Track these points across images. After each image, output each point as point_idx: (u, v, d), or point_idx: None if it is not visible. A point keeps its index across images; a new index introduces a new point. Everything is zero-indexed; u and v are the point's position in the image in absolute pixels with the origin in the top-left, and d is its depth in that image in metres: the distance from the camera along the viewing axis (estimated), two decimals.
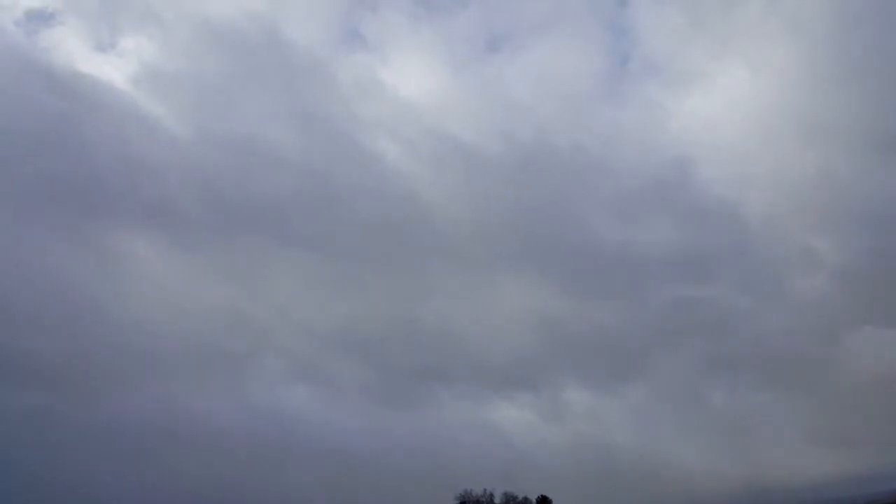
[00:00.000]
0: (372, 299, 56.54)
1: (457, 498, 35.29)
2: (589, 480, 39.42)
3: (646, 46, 75.98)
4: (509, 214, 65.03)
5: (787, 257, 59.38)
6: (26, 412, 40.02)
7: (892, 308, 53.16)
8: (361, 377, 49.89)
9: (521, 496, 35.41)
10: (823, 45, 69.98)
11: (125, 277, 52.71)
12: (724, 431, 44.23)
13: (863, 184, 65.36)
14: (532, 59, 78.03)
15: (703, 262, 59.44)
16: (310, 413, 47.12)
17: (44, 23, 60.92)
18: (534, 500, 35.38)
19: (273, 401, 47.58)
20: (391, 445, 45.18)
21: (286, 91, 67.67)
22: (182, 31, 64.84)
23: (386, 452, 44.71)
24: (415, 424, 45.99)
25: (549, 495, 35.60)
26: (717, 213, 64.07)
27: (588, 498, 38.47)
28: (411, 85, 73.27)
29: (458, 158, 68.49)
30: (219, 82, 65.86)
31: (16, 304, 44.77)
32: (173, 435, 43.13)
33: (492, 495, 34.98)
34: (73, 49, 60.64)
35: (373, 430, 45.97)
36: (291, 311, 54.76)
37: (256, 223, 59.67)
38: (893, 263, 56.24)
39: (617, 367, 50.06)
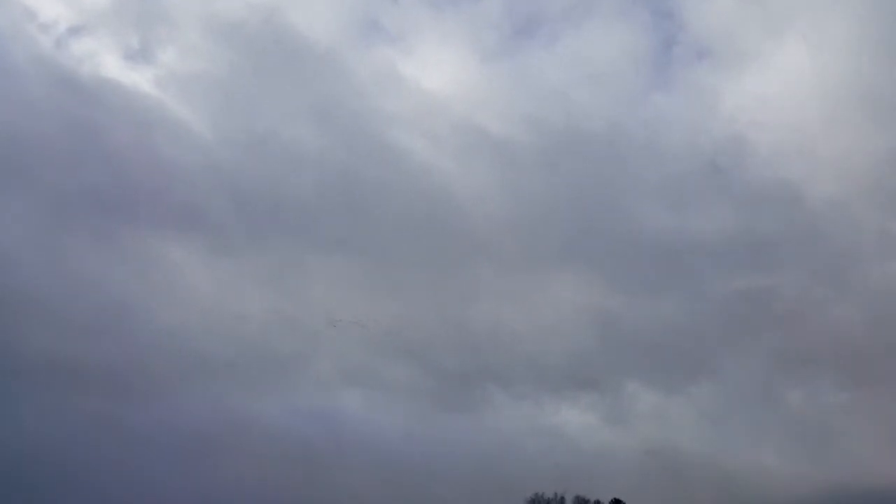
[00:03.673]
0: (415, 300, 55.11)
1: (527, 501, 34.40)
2: (658, 484, 37.65)
3: (693, 29, 71.02)
4: (548, 206, 62.13)
5: (860, 242, 54.87)
6: (87, 418, 41.17)
7: None
8: (413, 380, 48.67)
9: (592, 500, 34.29)
10: (888, 15, 64.65)
11: (166, 283, 52.55)
12: (803, 433, 41.75)
13: None
14: (566, 46, 73.22)
15: (766, 249, 54.85)
16: (362, 417, 46.28)
17: (75, 36, 60.95)
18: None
19: (324, 404, 46.92)
20: (447, 449, 44.08)
21: (313, 89, 66.09)
22: (203, 34, 63.87)
23: (442, 456, 43.64)
24: (471, 427, 44.67)
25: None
26: (777, 197, 58.09)
27: (658, 503, 36.82)
28: (437, 77, 70.16)
29: (489, 151, 65.74)
30: (243, 83, 64.68)
31: (68, 315, 45.24)
32: (226, 438, 43.25)
33: (563, 499, 33.93)
34: (102, 59, 60.47)
35: (427, 433, 44.89)
36: (336, 313, 53.47)
37: (287, 224, 58.66)
38: None
39: (681, 366, 47.53)
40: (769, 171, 59.58)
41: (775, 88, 65.69)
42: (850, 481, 38.21)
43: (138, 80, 59.30)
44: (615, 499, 33.97)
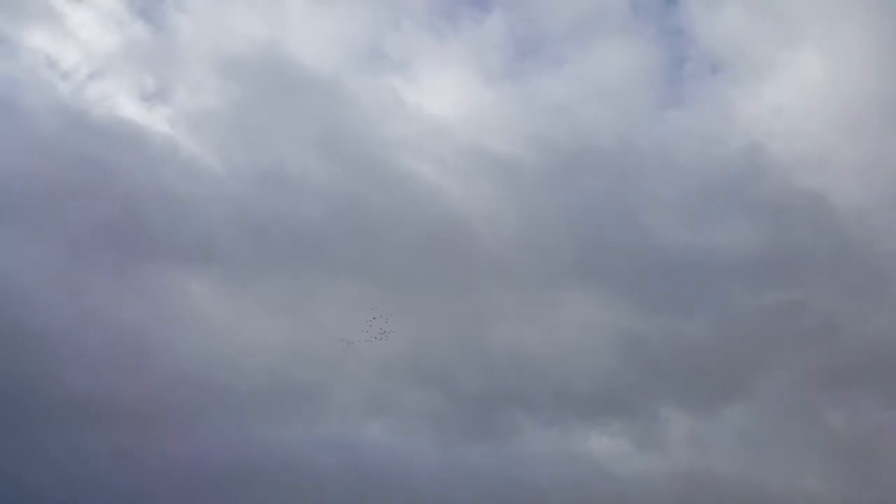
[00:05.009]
0: (432, 325, 54.25)
1: None
2: None
3: (704, 43, 69.96)
4: (562, 226, 60.73)
5: (892, 250, 53.06)
6: (110, 453, 41.23)
7: None
8: (435, 407, 47.74)
9: None
10: None
11: (183, 316, 52.38)
12: (846, 454, 40.05)
13: None
14: (572, 65, 71.26)
15: (793, 261, 52.38)
16: (385, 446, 45.53)
17: (94, 80, 62.22)
18: None
19: (346, 434, 46.26)
20: (472, 478, 43.02)
21: (318, 118, 66.21)
22: (208, 71, 64.44)
23: (469, 485, 42.59)
24: (498, 455, 43.53)
25: None
26: (800, 207, 55.41)
27: None
28: (441, 101, 69.82)
29: (498, 172, 64.80)
30: (249, 116, 65.00)
31: (88, 351, 44.88)
32: (248, 470, 42.69)
33: None
34: (118, 100, 61.44)
35: (453, 462, 43.90)
36: (352, 339, 52.95)
37: (299, 253, 58.28)
38: None
39: (714, 387, 45.94)
40: (789, 181, 58.12)
41: (792, 98, 64.44)
42: None
43: (152, 119, 60.06)
44: None
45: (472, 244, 59.99)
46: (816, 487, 39.34)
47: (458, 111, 68.04)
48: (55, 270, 49.84)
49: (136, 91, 63.90)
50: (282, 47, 67.02)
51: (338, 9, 68.68)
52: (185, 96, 63.87)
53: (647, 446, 44.64)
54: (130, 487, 40.12)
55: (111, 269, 52.66)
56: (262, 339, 51.94)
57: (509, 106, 70.86)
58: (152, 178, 57.43)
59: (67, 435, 41.69)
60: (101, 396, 43.27)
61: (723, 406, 45.74)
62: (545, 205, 63.41)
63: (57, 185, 53.20)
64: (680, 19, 73.08)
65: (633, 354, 50.27)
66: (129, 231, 54.07)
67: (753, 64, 71.87)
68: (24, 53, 60.52)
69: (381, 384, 49.38)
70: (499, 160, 65.05)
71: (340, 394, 49.22)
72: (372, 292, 56.77)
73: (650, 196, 61.26)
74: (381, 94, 67.87)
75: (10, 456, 39.72)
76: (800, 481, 40.27)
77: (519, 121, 69.49)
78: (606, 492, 38.51)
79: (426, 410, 47.81)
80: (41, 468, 39.54)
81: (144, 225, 54.61)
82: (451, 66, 73.79)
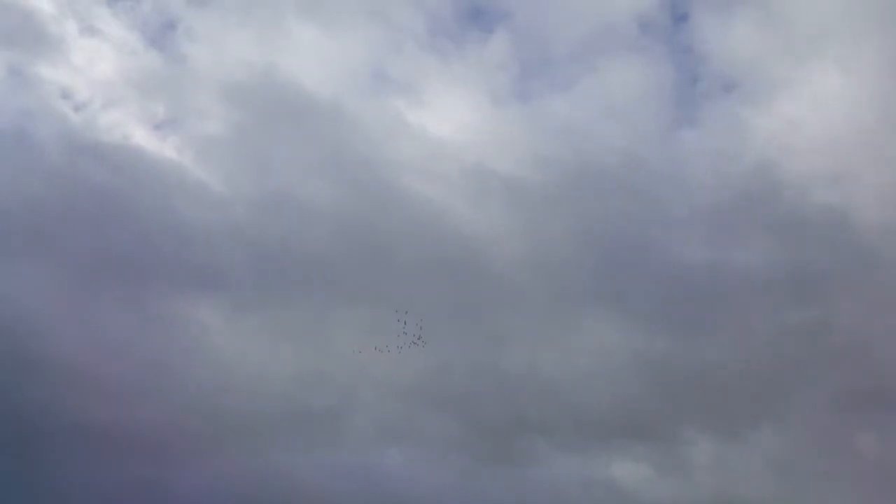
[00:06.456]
0: (447, 350, 53.62)
1: None
2: None
3: (715, 62, 69.40)
4: (570, 247, 60.00)
5: None
6: (127, 483, 41.35)
7: None
8: (453, 433, 46.98)
9: None
10: None
11: (196, 344, 52.39)
12: (878, 478, 38.88)
13: None
14: (580, 86, 70.93)
15: (813, 279, 51.41)
16: (402, 473, 44.92)
17: (106, 111, 62.87)
18: None
19: (363, 461, 45.42)
20: None
21: (323, 142, 66.41)
22: (212, 98, 64.99)
23: None
24: (517, 482, 42.75)
25: None
26: (818, 223, 54.46)
27: None
28: (446, 122, 69.66)
29: (503, 193, 64.36)
30: (257, 141, 65.36)
31: (101, 380, 44.71)
32: (266, 498, 42.20)
33: None
34: (129, 129, 62.05)
35: (470, 488, 43.19)
36: (368, 366, 52.68)
37: (309, 278, 58.01)
38: None
39: (739, 410, 44.88)
40: (807, 197, 57.14)
41: (807, 114, 63.41)
42: None
43: (162, 146, 60.54)
44: None
45: (482, 266, 59.31)
46: None
47: (464, 132, 67.67)
48: (68, 298, 50.01)
49: (147, 119, 64.60)
50: (286, 72, 67.31)
51: (341, 33, 69.17)
52: (192, 123, 64.40)
53: (670, 471, 43.75)
54: None
55: (123, 297, 52.71)
56: (275, 365, 51.56)
57: (515, 126, 70.33)
58: (162, 206, 57.76)
59: (82, 465, 41.85)
60: (115, 425, 43.30)
61: (747, 429, 44.66)
62: (553, 226, 62.68)
63: (70, 214, 53.63)
64: (689, 38, 72.89)
65: (653, 377, 49.45)
66: (141, 259, 54.23)
67: (767, 81, 71.20)
68: (38, 85, 61.58)
69: (398, 410, 48.76)
70: (505, 181, 64.59)
71: (357, 420, 48.61)
72: (383, 317, 56.33)
73: (665, 216, 60.14)
74: (386, 117, 67.89)
75: (26, 485, 39.95)
76: None
77: (525, 141, 69.14)
78: None
79: (444, 436, 47.05)
80: (57, 497, 39.76)
81: (156, 253, 54.76)
82: (455, 87, 73.70)
